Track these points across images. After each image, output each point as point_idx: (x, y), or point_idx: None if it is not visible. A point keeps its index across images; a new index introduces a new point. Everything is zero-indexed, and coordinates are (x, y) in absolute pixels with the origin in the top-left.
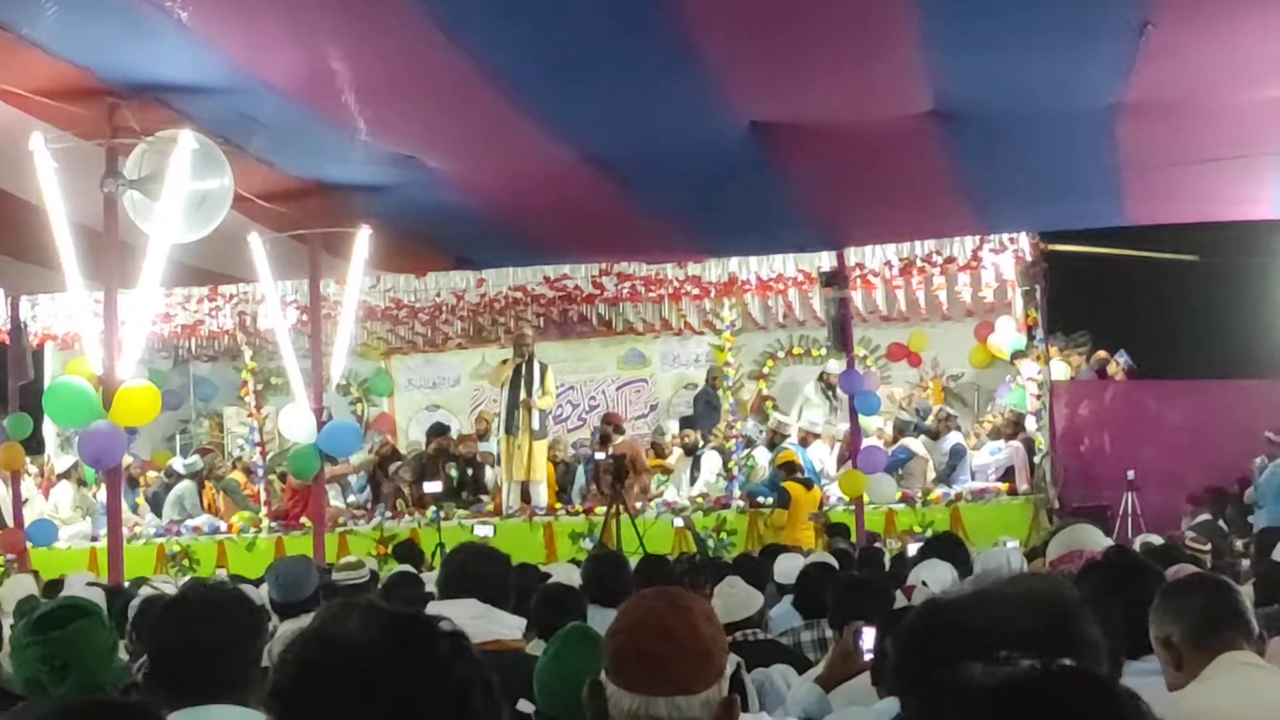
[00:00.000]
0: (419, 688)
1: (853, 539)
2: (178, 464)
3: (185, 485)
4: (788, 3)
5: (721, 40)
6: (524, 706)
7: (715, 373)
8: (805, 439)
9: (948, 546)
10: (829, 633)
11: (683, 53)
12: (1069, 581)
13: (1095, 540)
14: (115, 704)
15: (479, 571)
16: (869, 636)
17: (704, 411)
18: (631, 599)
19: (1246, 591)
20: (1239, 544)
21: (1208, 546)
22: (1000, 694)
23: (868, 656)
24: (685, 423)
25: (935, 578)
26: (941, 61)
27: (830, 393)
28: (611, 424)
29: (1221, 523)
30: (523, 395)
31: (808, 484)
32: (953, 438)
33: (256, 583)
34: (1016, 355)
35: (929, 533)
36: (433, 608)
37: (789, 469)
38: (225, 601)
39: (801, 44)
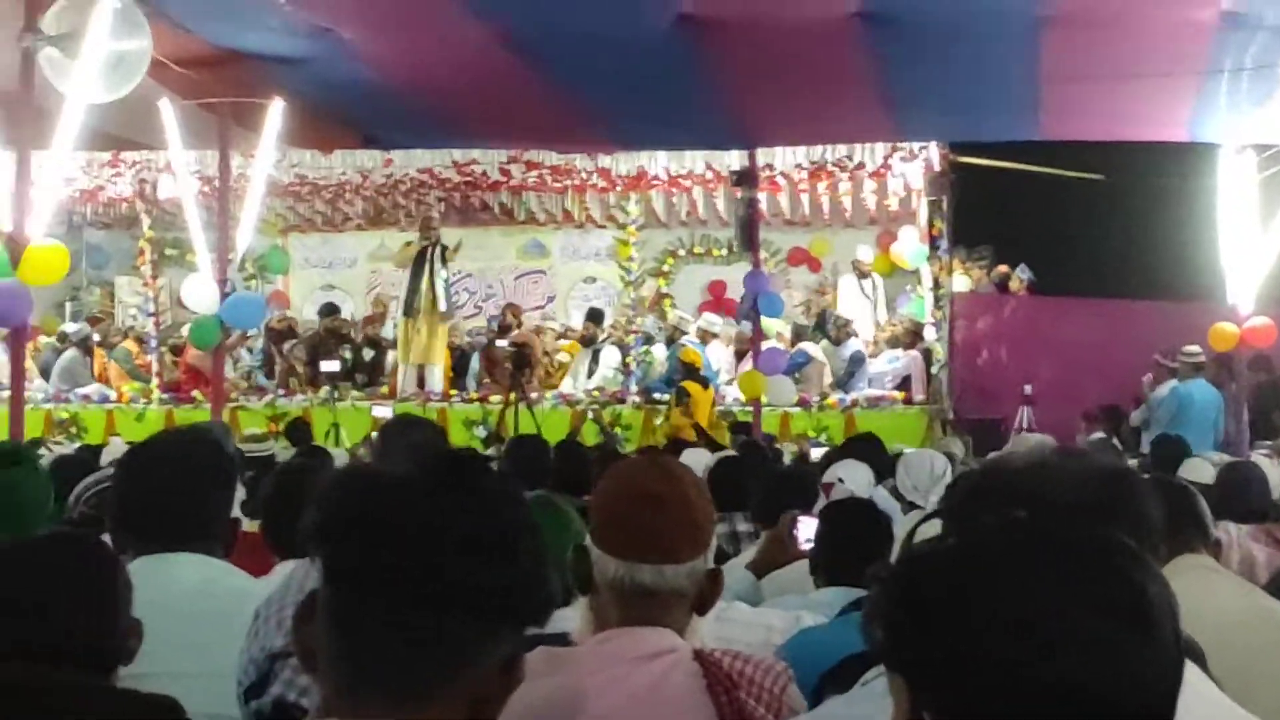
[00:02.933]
0: (463, 525)
1: None
2: (69, 329)
3: (74, 353)
4: None
5: None
6: None
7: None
8: (704, 337)
9: (866, 448)
10: (741, 526)
11: None
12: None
13: None
14: (73, 537)
15: (415, 440)
16: (807, 526)
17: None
18: (621, 463)
19: None
20: (1133, 463)
21: None
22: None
23: (805, 545)
24: (591, 315)
25: (852, 476)
26: None
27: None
28: (512, 312)
29: (1115, 441)
30: (425, 278)
31: (704, 383)
32: (853, 344)
33: None
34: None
35: (824, 437)
36: None
37: (689, 369)
38: (199, 447)
39: None
